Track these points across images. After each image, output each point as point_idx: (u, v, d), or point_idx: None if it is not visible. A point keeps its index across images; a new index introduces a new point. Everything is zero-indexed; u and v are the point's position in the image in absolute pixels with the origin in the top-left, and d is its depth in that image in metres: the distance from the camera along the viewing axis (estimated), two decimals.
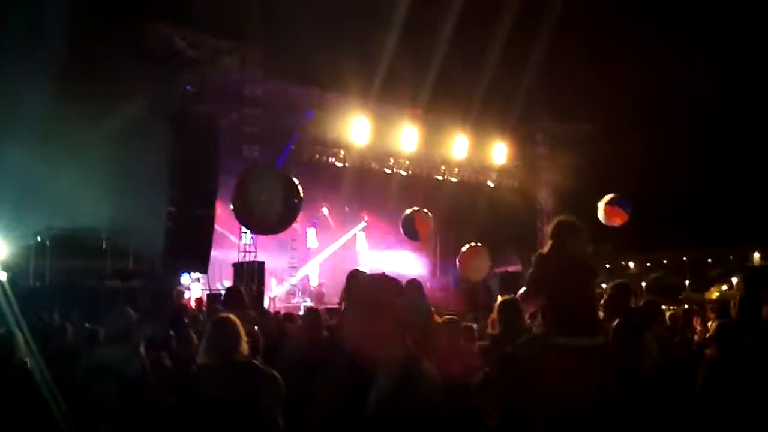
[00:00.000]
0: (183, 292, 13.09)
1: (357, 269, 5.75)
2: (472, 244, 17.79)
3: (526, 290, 5.18)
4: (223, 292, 14.20)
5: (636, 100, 24.47)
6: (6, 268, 14.91)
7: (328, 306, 19.66)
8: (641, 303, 7.79)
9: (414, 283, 6.96)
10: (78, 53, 14.36)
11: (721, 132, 29.05)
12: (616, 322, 5.52)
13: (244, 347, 4.58)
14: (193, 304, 16.50)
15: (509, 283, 19.54)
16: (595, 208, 15.65)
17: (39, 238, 15.08)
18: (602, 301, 6.15)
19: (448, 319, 6.61)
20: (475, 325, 7.62)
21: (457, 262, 17.80)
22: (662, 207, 33.89)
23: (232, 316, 4.69)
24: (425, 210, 17.02)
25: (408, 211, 16.82)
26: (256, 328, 6.44)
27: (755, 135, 31.21)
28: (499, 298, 6.21)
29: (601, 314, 5.70)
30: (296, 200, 12.28)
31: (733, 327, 5.70)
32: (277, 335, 7.26)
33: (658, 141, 27.37)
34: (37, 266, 14.82)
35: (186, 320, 9.29)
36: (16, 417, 4.65)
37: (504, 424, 4.89)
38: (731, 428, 5.02)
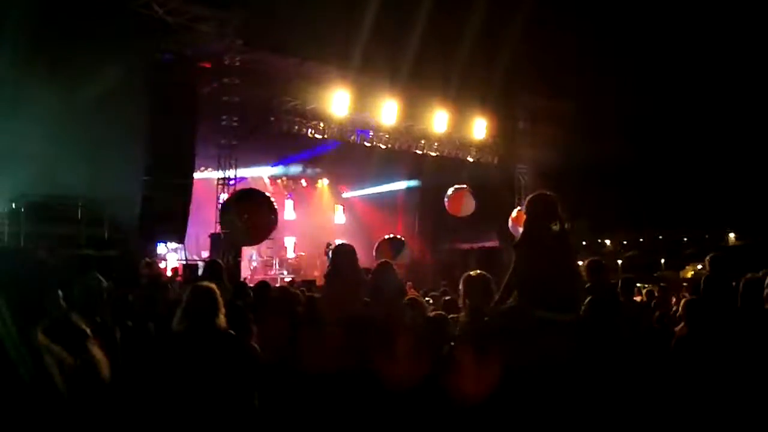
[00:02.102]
0: (154, 262, 13.01)
1: (343, 243, 5.77)
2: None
3: (508, 281, 5.17)
4: (200, 263, 14.20)
5: (616, 77, 24.49)
6: None
7: (305, 279, 19.75)
8: (619, 281, 7.85)
9: (384, 264, 7.02)
10: (51, 17, 14.08)
11: (698, 114, 29.18)
12: (588, 298, 5.55)
13: (222, 318, 4.60)
14: (169, 273, 16.47)
15: (487, 258, 19.66)
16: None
17: (13, 205, 14.87)
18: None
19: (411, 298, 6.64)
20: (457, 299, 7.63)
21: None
22: (640, 186, 34.12)
23: (212, 285, 4.72)
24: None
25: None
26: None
27: (732, 118, 31.40)
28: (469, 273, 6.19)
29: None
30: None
31: (701, 304, 5.75)
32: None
33: (638, 120, 27.47)
34: (11, 233, 14.62)
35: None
36: None
37: (478, 393, 4.90)
38: (700, 403, 5.08)
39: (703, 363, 5.13)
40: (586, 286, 6.17)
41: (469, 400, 4.77)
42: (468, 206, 17.52)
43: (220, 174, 18.91)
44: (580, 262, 6.99)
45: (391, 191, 28.14)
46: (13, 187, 14.82)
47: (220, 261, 9.64)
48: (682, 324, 5.86)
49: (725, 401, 4.94)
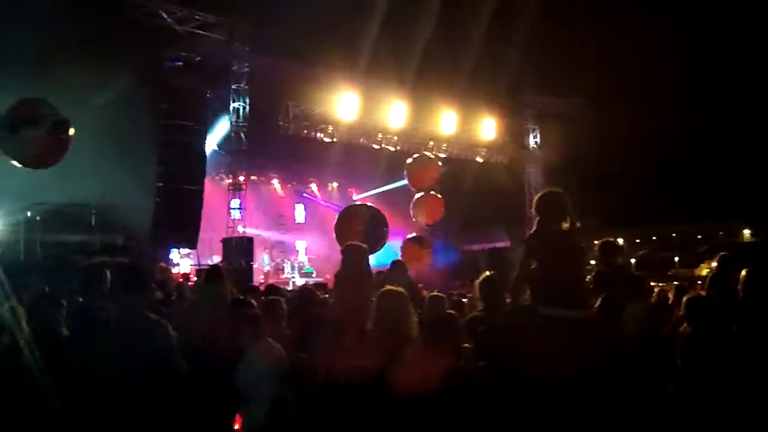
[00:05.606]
0: (168, 268, 13.12)
1: (352, 243, 5.78)
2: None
3: (517, 275, 5.17)
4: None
5: (625, 73, 24.44)
6: None
7: (317, 281, 19.80)
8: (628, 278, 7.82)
9: (397, 262, 7.12)
10: (63, 27, 14.21)
11: (710, 106, 29.02)
12: (600, 297, 5.57)
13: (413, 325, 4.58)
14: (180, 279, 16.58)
15: (497, 259, 19.65)
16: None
17: (29, 213, 15.01)
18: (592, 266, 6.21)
19: (434, 295, 6.68)
20: (465, 300, 7.69)
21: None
22: (651, 182, 33.94)
23: (402, 290, 4.69)
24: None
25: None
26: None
27: (745, 109, 31.20)
28: (482, 275, 6.23)
29: (589, 284, 5.76)
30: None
31: (702, 301, 5.75)
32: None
33: (647, 115, 27.39)
34: (27, 241, 14.76)
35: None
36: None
37: (492, 394, 4.93)
38: (708, 402, 5.10)
39: (709, 360, 5.16)
40: (598, 269, 6.18)
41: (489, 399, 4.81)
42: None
43: (230, 179, 19.03)
44: (593, 262, 7.03)
45: (400, 192, 28.13)
46: (29, 196, 14.96)
47: (220, 265, 9.83)
48: (685, 322, 5.88)
49: (732, 398, 4.97)
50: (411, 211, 16.11)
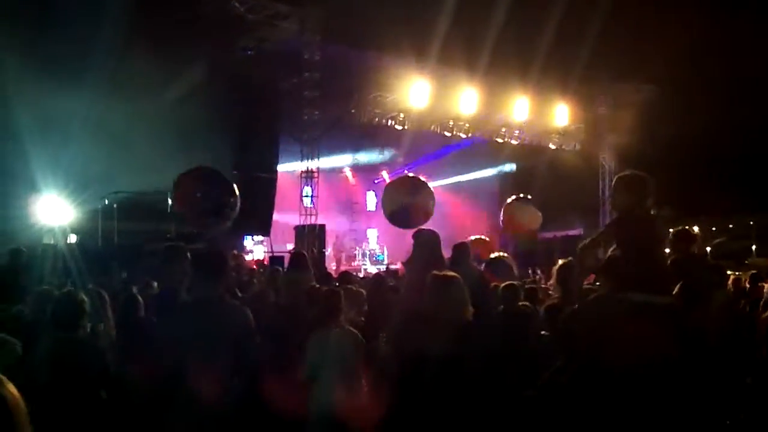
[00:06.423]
0: (240, 255, 13.34)
1: (423, 228, 5.72)
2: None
3: (586, 244, 5.07)
4: (287, 255, 14.53)
5: (700, 59, 23.74)
6: (75, 231, 15.35)
7: (389, 269, 19.86)
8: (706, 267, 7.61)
9: (461, 247, 6.95)
10: (136, 19, 14.48)
11: None
12: (679, 285, 5.44)
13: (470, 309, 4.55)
14: (254, 266, 16.81)
15: (570, 247, 19.36)
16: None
17: (106, 201, 15.44)
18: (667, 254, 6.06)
19: (508, 284, 6.61)
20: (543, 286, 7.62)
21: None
22: (727, 170, 33.04)
23: (452, 274, 4.66)
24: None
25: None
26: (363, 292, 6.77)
27: None
28: (559, 262, 6.12)
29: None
30: None
31: None
32: None
33: (723, 101, 26.58)
34: (105, 228, 15.19)
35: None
36: (78, 380, 4.77)
37: (570, 380, 4.85)
38: None
39: None
40: (672, 258, 6.01)
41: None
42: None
43: (303, 167, 19.16)
44: (668, 250, 6.85)
45: (471, 181, 28.02)
46: (106, 184, 15.37)
47: (304, 252, 9.90)
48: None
49: None
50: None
